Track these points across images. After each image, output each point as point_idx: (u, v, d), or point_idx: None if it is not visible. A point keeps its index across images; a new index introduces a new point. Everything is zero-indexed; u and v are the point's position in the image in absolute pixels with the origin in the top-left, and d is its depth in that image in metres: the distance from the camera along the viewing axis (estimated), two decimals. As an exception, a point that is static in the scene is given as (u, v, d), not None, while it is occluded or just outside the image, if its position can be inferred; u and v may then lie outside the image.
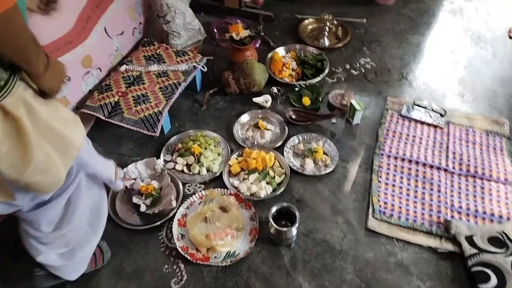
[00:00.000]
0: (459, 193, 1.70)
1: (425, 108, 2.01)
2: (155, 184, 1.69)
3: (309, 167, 1.78)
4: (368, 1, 2.80)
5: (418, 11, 2.73)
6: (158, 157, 1.82)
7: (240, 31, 2.12)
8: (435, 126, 1.95)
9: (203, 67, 2.03)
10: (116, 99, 1.82)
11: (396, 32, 2.56)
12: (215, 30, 2.41)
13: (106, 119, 1.77)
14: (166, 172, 1.72)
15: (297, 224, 1.46)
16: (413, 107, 2.02)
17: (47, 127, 0.97)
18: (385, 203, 1.66)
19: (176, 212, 1.60)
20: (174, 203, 1.60)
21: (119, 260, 1.49)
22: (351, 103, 1.94)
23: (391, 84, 2.21)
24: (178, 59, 2.04)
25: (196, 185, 1.74)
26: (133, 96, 1.84)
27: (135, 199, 1.62)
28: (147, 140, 1.91)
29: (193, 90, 2.14)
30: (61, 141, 1.02)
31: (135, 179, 1.70)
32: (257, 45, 2.38)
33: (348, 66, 2.32)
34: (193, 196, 1.67)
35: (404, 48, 2.45)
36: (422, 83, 2.21)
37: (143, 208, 1.61)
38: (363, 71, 2.29)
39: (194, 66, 2.00)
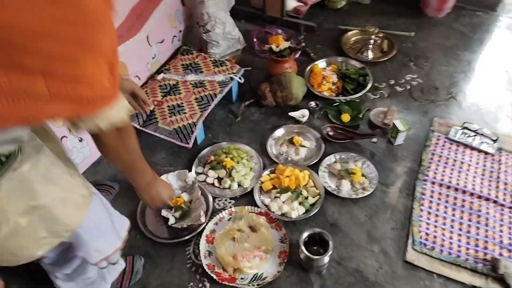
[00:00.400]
0: (510, 228, 1.55)
1: (475, 132, 1.87)
2: (185, 196, 1.65)
3: (345, 189, 1.69)
4: (417, 13, 2.66)
5: (471, 26, 2.56)
6: (190, 168, 1.79)
7: (280, 43, 2.06)
8: (486, 153, 1.81)
9: (240, 78, 1.98)
10: (151, 108, 1.81)
11: (446, 48, 2.41)
12: (255, 40, 2.37)
13: (141, 128, 1.76)
14: (197, 185, 1.69)
15: (329, 253, 1.38)
16: (461, 131, 1.88)
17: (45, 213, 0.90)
18: (427, 234, 1.54)
19: (204, 228, 1.56)
20: (203, 219, 1.56)
21: (145, 274, 1.46)
22: (393, 123, 1.83)
23: (439, 103, 2.07)
24: (216, 69, 2.00)
25: (226, 200, 1.69)
26: (168, 106, 1.82)
27: (164, 212, 1.59)
28: (180, 150, 1.88)
29: (228, 100, 2.10)
30: (54, 225, 0.93)
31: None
32: (297, 56, 2.31)
33: (392, 82, 2.20)
34: (223, 212, 1.62)
35: (454, 65, 2.30)
36: (472, 104, 2.06)
37: (171, 221, 1.58)
38: (409, 88, 2.16)
39: (231, 77, 1.96)
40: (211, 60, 2.05)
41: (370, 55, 2.35)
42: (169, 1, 2.01)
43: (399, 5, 2.72)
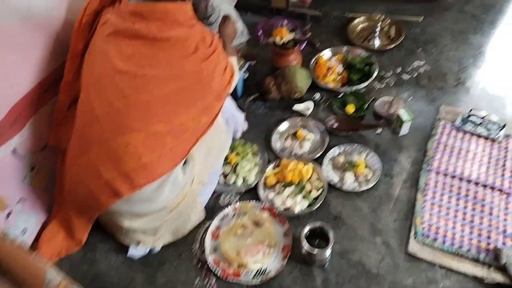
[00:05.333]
0: (516, 217, 1.54)
1: (483, 118, 1.84)
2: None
3: (349, 182, 1.71)
4: (427, -4, 2.59)
5: (483, 7, 2.47)
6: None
7: (284, 35, 2.06)
8: (493, 140, 1.78)
9: (244, 72, 2.00)
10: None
11: (456, 32, 2.35)
12: (260, 32, 2.37)
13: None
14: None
15: (330, 246, 1.41)
16: (468, 117, 1.85)
17: None
18: (430, 225, 1.54)
19: (210, 225, 1.61)
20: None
21: (152, 270, 1.53)
22: (398, 114, 1.82)
23: (446, 90, 2.04)
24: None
25: (231, 196, 1.74)
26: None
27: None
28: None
29: (233, 95, 2.12)
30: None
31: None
32: (302, 48, 2.31)
33: (399, 70, 2.17)
34: (228, 208, 1.67)
35: (464, 50, 2.24)
36: (481, 91, 2.02)
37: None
38: (416, 75, 2.13)
39: (235, 72, 1.97)
40: (215, 56, 2.07)
41: (377, 43, 2.32)
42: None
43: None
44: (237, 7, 2.42)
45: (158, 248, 1.57)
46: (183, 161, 1.42)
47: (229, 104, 1.68)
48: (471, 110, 1.87)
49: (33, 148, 1.50)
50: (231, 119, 1.67)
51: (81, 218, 1.45)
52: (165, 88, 1.29)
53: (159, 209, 1.42)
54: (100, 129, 1.27)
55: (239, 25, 2.21)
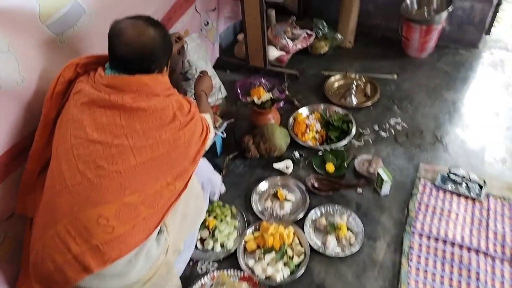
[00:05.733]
0: (502, 282, 1.49)
1: (463, 177, 1.83)
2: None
3: (331, 246, 1.64)
4: (400, 54, 2.69)
5: (454, 65, 2.57)
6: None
7: (261, 95, 2.07)
8: (473, 199, 1.77)
9: (222, 133, 1.97)
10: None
11: (430, 88, 2.41)
12: (239, 91, 2.38)
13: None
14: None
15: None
16: (448, 176, 1.85)
17: None
18: (416, 293, 1.48)
19: (186, 296, 1.51)
20: None
21: None
22: (378, 173, 1.80)
23: (424, 148, 2.05)
24: (198, 124, 2.00)
25: (209, 263, 1.64)
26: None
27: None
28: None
29: (213, 154, 2.09)
30: None
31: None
32: (281, 105, 2.32)
33: (377, 127, 2.18)
34: (205, 277, 1.57)
35: (439, 106, 2.29)
36: (459, 147, 2.04)
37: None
38: (393, 132, 2.15)
39: (213, 132, 1.95)
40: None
41: (354, 100, 2.35)
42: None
43: (382, 47, 2.76)
44: (216, 66, 2.45)
45: None
46: (157, 230, 1.35)
47: (205, 166, 1.62)
48: (450, 169, 1.87)
49: (-1, 217, 1.40)
50: (207, 182, 1.61)
51: None
52: (140, 158, 1.24)
53: (132, 284, 1.32)
54: (70, 201, 1.19)
55: (216, 81, 2.20)
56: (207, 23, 2.38)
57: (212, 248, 1.68)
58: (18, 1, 1.25)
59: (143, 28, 1.25)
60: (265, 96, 2.07)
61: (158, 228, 1.33)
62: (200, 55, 2.05)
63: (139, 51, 1.24)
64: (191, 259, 1.65)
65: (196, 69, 2.05)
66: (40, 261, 1.26)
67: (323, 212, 1.78)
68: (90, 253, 1.18)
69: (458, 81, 2.46)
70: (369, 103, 2.31)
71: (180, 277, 1.56)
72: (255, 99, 2.06)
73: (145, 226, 1.26)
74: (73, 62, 1.33)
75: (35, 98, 1.38)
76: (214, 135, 1.93)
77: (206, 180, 1.59)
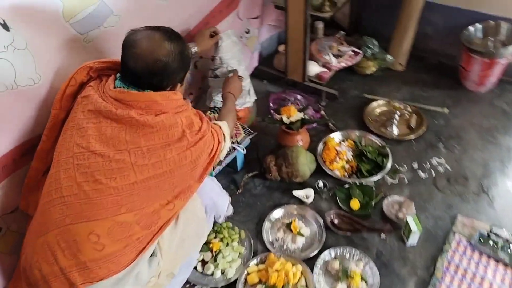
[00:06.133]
0: None
1: (506, 240, 1.60)
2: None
3: (340, 295, 1.49)
4: (456, 84, 2.43)
5: (517, 105, 2.29)
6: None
7: (292, 114, 1.93)
8: (515, 269, 1.53)
9: (243, 149, 1.86)
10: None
11: (483, 129, 2.15)
12: (271, 104, 2.26)
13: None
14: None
15: None
16: (488, 236, 1.62)
17: None
18: None
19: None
20: None
21: None
22: (407, 221, 1.61)
23: (466, 198, 1.82)
24: (220, 137, 1.90)
25: (207, 290, 1.55)
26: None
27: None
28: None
29: (233, 168, 1.99)
30: None
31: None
32: (314, 125, 2.17)
33: (416, 165, 1.97)
34: (198, 306, 1.48)
35: (491, 151, 2.03)
36: (507, 203, 1.79)
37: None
38: (434, 174, 1.93)
39: (233, 147, 1.84)
40: (217, 127, 1.95)
41: (395, 131, 2.15)
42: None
43: (436, 74, 2.52)
44: (254, 74, 2.34)
45: None
46: (150, 252, 1.26)
47: (211, 188, 1.52)
48: (492, 227, 1.64)
49: (2, 210, 1.39)
50: (211, 206, 1.50)
51: None
52: (141, 175, 1.16)
53: None
54: (64, 211, 1.14)
55: (246, 83, 2.04)
56: (248, 30, 2.26)
57: (212, 274, 1.58)
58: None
59: (159, 41, 1.16)
60: (296, 116, 1.93)
61: (151, 249, 1.25)
62: (234, 54, 1.91)
63: (151, 66, 1.15)
64: (188, 281, 1.56)
65: (227, 68, 1.93)
66: (29, 267, 1.22)
67: (338, 254, 1.62)
68: (77, 269, 1.13)
69: (519, 124, 2.18)
70: (412, 136, 2.10)
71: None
72: (284, 118, 1.93)
73: (138, 247, 1.19)
74: (86, 65, 1.27)
75: (51, 98, 1.34)
76: (233, 150, 1.83)
77: (211, 203, 1.49)
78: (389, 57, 2.49)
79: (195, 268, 1.61)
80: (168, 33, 1.19)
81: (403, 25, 2.45)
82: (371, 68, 2.50)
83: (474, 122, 2.20)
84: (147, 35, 1.16)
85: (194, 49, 1.70)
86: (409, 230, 1.60)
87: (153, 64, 1.15)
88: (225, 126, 1.41)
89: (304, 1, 1.97)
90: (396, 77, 2.53)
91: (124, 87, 1.18)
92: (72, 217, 1.14)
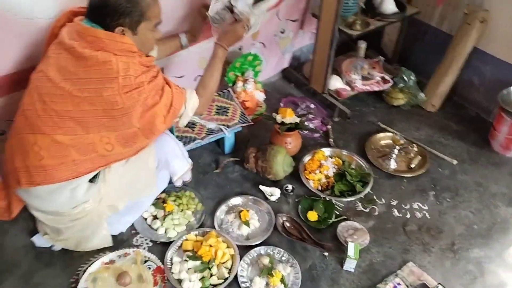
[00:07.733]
0: None
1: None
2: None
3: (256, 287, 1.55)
4: (482, 142, 2.26)
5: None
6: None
7: (287, 115, 1.99)
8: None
9: (229, 132, 1.95)
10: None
11: (489, 193, 1.98)
12: (281, 104, 2.34)
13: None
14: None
15: None
16: (431, 292, 1.55)
17: None
18: None
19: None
20: None
21: (36, 267, 1.61)
22: (348, 244, 1.61)
23: (429, 250, 1.73)
24: (215, 116, 2.03)
25: (146, 240, 1.70)
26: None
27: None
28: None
29: (222, 150, 2.11)
30: None
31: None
32: (315, 136, 2.21)
33: (394, 203, 1.92)
34: (131, 249, 1.63)
35: (483, 216, 1.89)
36: (467, 271, 1.67)
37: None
38: (408, 217, 1.86)
39: (220, 128, 1.96)
40: (216, 106, 2.08)
41: (392, 165, 2.10)
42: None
43: (467, 126, 2.36)
44: (283, 76, 2.44)
45: (57, 247, 1.63)
46: (89, 177, 1.45)
47: (171, 148, 1.66)
48: (438, 286, 1.57)
49: (5, 117, 1.64)
50: (163, 163, 1.64)
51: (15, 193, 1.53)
52: (76, 106, 1.32)
53: (54, 212, 1.48)
54: (23, 121, 1.39)
55: (253, 19, 1.76)
56: (284, 31, 2.36)
57: (157, 229, 1.73)
58: None
59: None
60: (291, 118, 1.99)
61: (89, 175, 1.43)
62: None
63: (100, 1, 1.31)
64: (135, 230, 1.73)
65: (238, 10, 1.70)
66: (7, 160, 1.48)
67: (273, 253, 1.67)
68: (23, 171, 1.37)
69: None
70: (405, 175, 2.04)
71: (116, 236, 1.67)
72: (278, 117, 2.00)
73: (73, 168, 1.37)
74: (71, 9, 1.45)
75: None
76: (220, 132, 1.94)
77: (164, 160, 1.63)
78: (421, 94, 2.41)
79: (145, 220, 1.77)
80: None
81: (445, 67, 2.36)
82: (400, 100, 2.44)
83: (482, 183, 2.05)
84: None
85: (183, 40, 1.81)
86: (346, 255, 1.59)
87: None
88: (193, 95, 1.53)
89: (335, 13, 2.01)
90: (422, 116, 2.44)
91: (87, 23, 1.34)
92: (26, 128, 1.37)
